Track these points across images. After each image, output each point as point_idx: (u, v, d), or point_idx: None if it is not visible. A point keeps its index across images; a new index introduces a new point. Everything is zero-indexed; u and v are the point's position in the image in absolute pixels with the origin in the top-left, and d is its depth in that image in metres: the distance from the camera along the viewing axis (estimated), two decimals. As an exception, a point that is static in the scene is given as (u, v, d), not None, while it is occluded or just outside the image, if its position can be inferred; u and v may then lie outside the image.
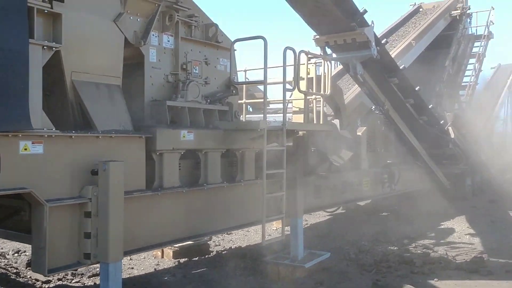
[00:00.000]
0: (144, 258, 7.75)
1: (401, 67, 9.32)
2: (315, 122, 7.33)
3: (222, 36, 6.47)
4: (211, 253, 8.09)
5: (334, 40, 7.85)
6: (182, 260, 7.60)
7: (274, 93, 18.16)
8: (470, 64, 16.33)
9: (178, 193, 5.45)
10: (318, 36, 8.00)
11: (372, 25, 7.86)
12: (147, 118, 5.50)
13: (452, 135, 11.82)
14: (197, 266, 7.34)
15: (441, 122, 11.12)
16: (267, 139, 5.83)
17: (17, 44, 3.94)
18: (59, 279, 6.43)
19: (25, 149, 4.06)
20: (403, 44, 12.11)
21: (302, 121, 7.17)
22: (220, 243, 8.98)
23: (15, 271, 6.71)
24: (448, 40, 14.91)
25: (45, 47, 4.33)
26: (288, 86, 6.80)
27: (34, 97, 4.12)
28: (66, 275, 6.56)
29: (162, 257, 7.73)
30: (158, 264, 7.46)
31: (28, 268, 6.83)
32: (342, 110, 8.80)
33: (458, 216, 11.47)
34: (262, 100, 6.31)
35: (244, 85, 7.77)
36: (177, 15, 5.76)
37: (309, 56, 7.29)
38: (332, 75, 7.71)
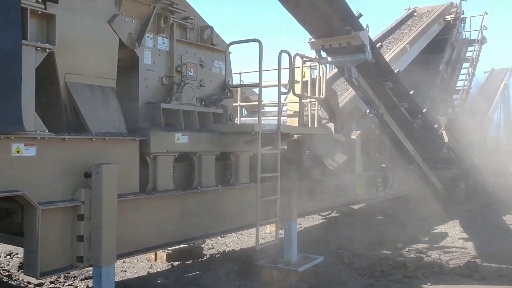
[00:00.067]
0: (137, 261, 7.71)
1: (395, 71, 9.35)
2: (309, 125, 7.32)
3: (217, 39, 6.46)
4: (205, 257, 8.06)
5: (329, 44, 7.87)
6: (175, 263, 7.57)
7: (269, 96, 18.18)
8: (464, 68, 16.38)
9: (172, 196, 5.42)
10: (313, 40, 8.03)
11: (367, 29, 7.89)
12: (141, 121, 5.46)
13: (446, 139, 11.88)
14: (191, 270, 7.32)
15: (435, 126, 11.17)
16: (261, 142, 5.82)
17: (10, 45, 3.90)
18: (51, 282, 6.39)
19: (18, 152, 4.01)
20: (398, 48, 12.13)
21: (297, 125, 7.17)
22: (213, 246, 8.95)
23: (7, 274, 6.66)
24: (442, 44, 14.96)
25: (38, 48, 4.29)
26: (283, 89, 6.81)
27: (27, 99, 4.08)
28: (58, 278, 6.52)
29: (156, 260, 7.69)
30: (151, 267, 7.43)
31: (20, 271, 6.78)
32: (336, 113, 8.80)
33: (452, 220, 11.52)
34: (257, 103, 6.29)
35: (239, 88, 7.76)
36: (172, 17, 5.73)
37: (304, 59, 7.29)
38: (327, 78, 7.71)
